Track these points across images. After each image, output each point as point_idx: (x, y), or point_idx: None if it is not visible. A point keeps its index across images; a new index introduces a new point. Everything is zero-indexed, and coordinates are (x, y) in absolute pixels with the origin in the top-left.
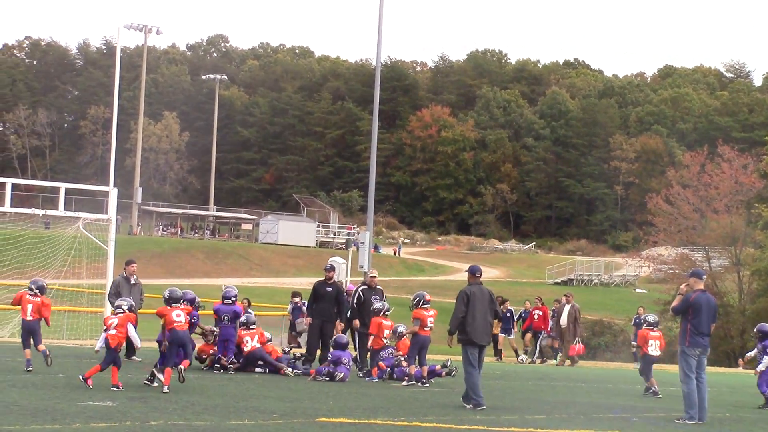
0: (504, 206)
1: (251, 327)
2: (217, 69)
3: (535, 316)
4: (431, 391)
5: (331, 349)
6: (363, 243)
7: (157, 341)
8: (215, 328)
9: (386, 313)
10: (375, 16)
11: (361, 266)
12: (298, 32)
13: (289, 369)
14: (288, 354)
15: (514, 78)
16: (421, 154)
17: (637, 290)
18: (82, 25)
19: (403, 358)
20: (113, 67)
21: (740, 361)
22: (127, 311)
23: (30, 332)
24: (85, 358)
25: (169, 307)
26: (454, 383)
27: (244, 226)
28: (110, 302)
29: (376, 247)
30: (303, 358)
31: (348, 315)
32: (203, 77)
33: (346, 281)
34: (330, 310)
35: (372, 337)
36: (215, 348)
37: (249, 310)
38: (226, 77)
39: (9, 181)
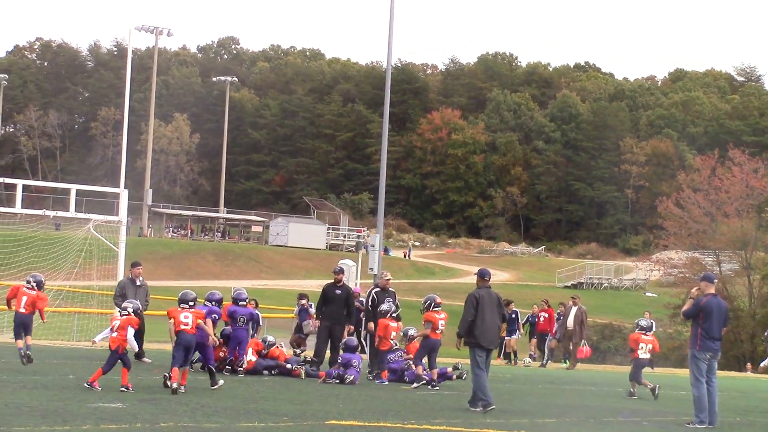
0: (514, 209)
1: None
2: (227, 71)
3: (541, 319)
4: (441, 394)
5: (341, 352)
6: (373, 246)
7: None
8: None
9: (393, 314)
10: (386, 18)
11: (371, 269)
12: (308, 34)
13: (303, 370)
14: (299, 357)
15: (524, 81)
16: (431, 157)
17: (647, 294)
18: (93, 27)
19: (411, 362)
20: (124, 68)
21: (748, 365)
22: (132, 314)
23: (22, 325)
24: (95, 359)
25: (179, 309)
26: (464, 386)
27: (254, 229)
28: (116, 304)
29: (386, 250)
30: (311, 361)
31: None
32: (214, 79)
33: (356, 283)
34: (339, 313)
35: (379, 339)
36: (225, 350)
37: (256, 312)
38: (236, 79)
39: (20, 183)
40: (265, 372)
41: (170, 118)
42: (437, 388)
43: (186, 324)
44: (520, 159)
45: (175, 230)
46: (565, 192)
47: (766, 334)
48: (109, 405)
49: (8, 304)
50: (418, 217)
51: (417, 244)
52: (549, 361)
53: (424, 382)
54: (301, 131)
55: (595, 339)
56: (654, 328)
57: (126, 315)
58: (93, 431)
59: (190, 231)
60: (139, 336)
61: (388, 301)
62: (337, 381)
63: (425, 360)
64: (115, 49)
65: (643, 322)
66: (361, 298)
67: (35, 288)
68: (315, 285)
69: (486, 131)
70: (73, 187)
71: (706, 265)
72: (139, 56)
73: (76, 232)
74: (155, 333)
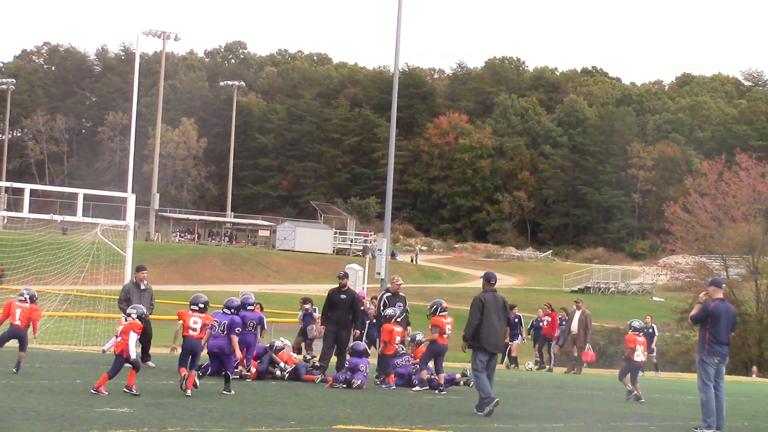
0: (521, 214)
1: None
2: (235, 75)
3: (544, 323)
4: (448, 398)
5: (348, 357)
6: (380, 250)
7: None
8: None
9: (397, 319)
10: (393, 23)
11: (378, 273)
12: (316, 39)
13: (320, 378)
14: (308, 362)
15: (531, 85)
16: (438, 162)
17: (654, 298)
18: (101, 31)
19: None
20: (131, 73)
21: (754, 368)
22: (136, 319)
23: (16, 338)
24: (102, 364)
25: (189, 312)
26: (472, 392)
27: (261, 233)
28: (120, 308)
29: (393, 255)
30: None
31: (375, 321)
32: (221, 84)
33: (363, 287)
34: (345, 318)
35: (384, 344)
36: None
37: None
38: (243, 84)
39: (27, 187)
40: (274, 371)
41: (177, 122)
42: (444, 392)
43: (194, 329)
44: (527, 163)
45: (182, 234)
46: (572, 196)
47: None
48: (116, 409)
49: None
50: (425, 221)
51: (424, 248)
52: (551, 366)
53: (427, 387)
54: (308, 136)
55: (602, 344)
56: (657, 332)
57: (130, 321)
58: None
59: (197, 235)
60: (146, 341)
61: (398, 306)
62: (345, 385)
63: (431, 364)
64: (122, 53)
65: (636, 323)
66: (367, 302)
67: (28, 301)
68: (322, 289)
69: (493, 136)
70: (81, 192)
71: (713, 269)
72: (147, 61)
73: (83, 237)
74: (162, 337)
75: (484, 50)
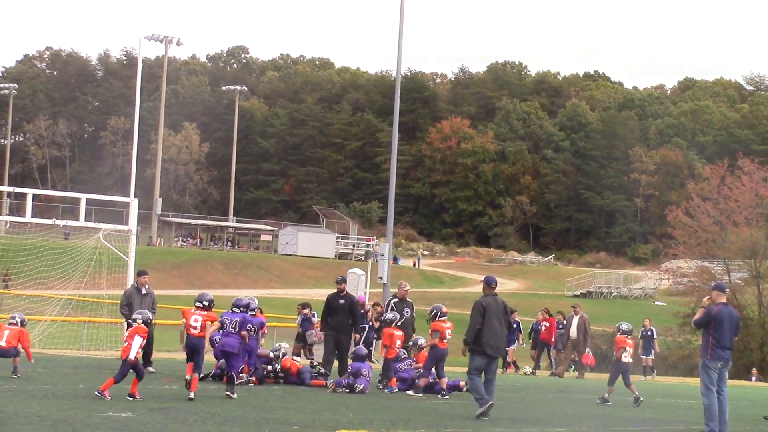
0: (523, 218)
1: None
2: (237, 80)
3: (542, 328)
4: (451, 403)
5: (351, 361)
6: (382, 255)
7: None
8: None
9: (397, 323)
10: (395, 27)
11: (380, 278)
12: (318, 44)
13: (329, 382)
14: (314, 368)
15: (533, 90)
16: (440, 166)
17: (657, 303)
18: (103, 36)
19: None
20: (134, 77)
21: (754, 370)
22: (142, 324)
23: (3, 357)
24: (104, 368)
25: (192, 310)
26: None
27: (264, 238)
28: (122, 313)
29: (395, 259)
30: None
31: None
32: (223, 88)
33: (365, 292)
34: (345, 322)
35: (385, 348)
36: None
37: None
38: (246, 88)
39: (30, 192)
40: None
41: (180, 127)
42: (447, 397)
43: (194, 327)
44: (529, 168)
45: (185, 239)
46: (575, 201)
47: None
48: (119, 414)
49: None
50: (427, 226)
51: (426, 253)
52: (553, 369)
53: (421, 395)
54: (310, 140)
55: (605, 348)
56: (656, 335)
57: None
58: None
59: (199, 240)
60: (147, 346)
61: (406, 312)
62: (347, 390)
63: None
64: (124, 58)
65: (624, 326)
66: (368, 306)
67: (18, 324)
68: (324, 294)
69: (495, 140)
70: (83, 197)
71: (715, 274)
72: (149, 65)
73: (85, 241)
74: (164, 342)
75: (487, 54)
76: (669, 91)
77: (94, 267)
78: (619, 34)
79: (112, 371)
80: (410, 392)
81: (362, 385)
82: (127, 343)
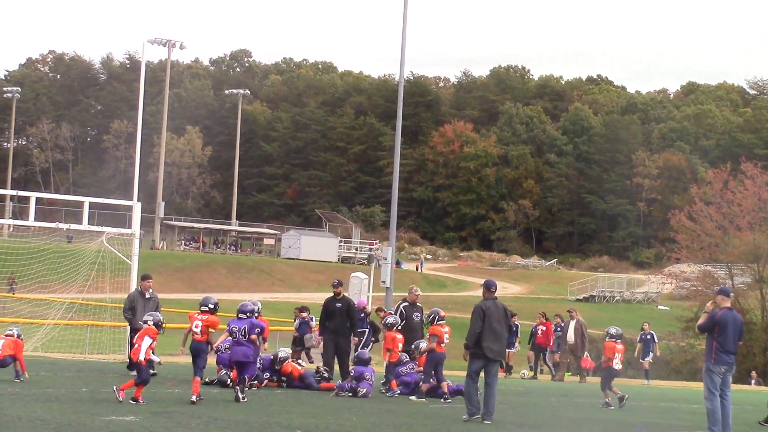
0: (526, 222)
1: None
2: (240, 84)
3: (539, 332)
4: (453, 407)
5: (353, 365)
6: (385, 259)
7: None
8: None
9: (398, 327)
10: (398, 31)
11: (383, 282)
12: (320, 47)
13: (338, 387)
14: (318, 374)
15: (536, 94)
16: (443, 170)
17: (659, 307)
18: (106, 40)
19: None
20: (136, 81)
21: (753, 373)
22: (152, 325)
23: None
24: (108, 372)
25: (196, 314)
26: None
27: (266, 241)
28: (125, 317)
29: (398, 263)
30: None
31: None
32: (226, 92)
33: (368, 296)
34: (343, 326)
35: (389, 352)
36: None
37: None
38: (249, 92)
39: (33, 195)
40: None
41: (182, 130)
42: (450, 401)
43: (195, 332)
44: (532, 172)
45: (187, 243)
46: (577, 205)
47: None
48: (123, 418)
49: None
50: (430, 230)
51: (429, 257)
52: (550, 375)
53: (424, 399)
54: (313, 144)
55: None
56: (656, 339)
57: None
58: None
59: (202, 244)
60: None
61: (416, 316)
62: (350, 394)
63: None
64: (127, 61)
65: (612, 330)
66: (368, 310)
67: (14, 335)
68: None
69: (498, 144)
70: (86, 200)
71: (718, 278)
72: (152, 69)
73: (88, 245)
74: (166, 346)
75: (490, 58)
76: (672, 95)
77: (97, 270)
78: (622, 39)
79: (115, 375)
80: (413, 397)
81: (365, 389)
82: (137, 345)
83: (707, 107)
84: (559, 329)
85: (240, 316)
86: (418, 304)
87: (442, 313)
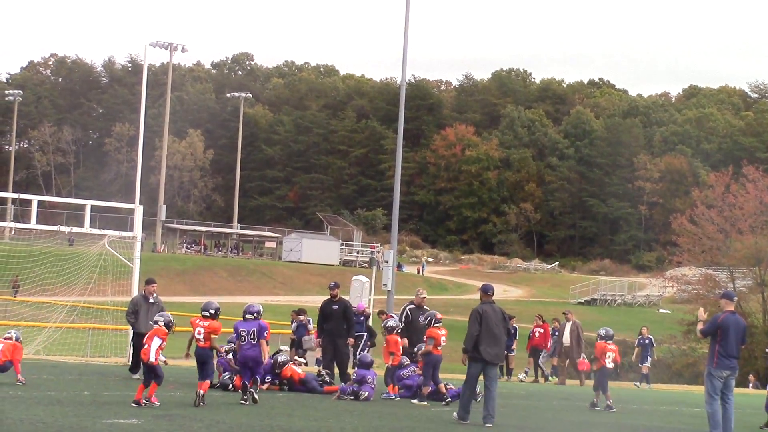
0: (528, 225)
1: None
2: (241, 87)
3: (536, 334)
4: (455, 410)
5: (356, 368)
6: (387, 262)
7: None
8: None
9: (398, 330)
10: (400, 35)
11: (385, 285)
12: (322, 50)
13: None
14: (320, 377)
15: (538, 97)
16: (445, 173)
17: (661, 310)
18: (108, 43)
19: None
20: (138, 84)
21: (751, 376)
22: (162, 326)
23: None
24: (109, 375)
25: (198, 321)
26: (477, 405)
27: (268, 244)
28: (128, 321)
29: (399, 266)
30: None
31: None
32: (228, 95)
33: (371, 299)
34: (339, 328)
35: (391, 355)
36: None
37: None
38: (250, 95)
39: (35, 198)
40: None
41: (184, 133)
42: (450, 402)
43: (198, 339)
44: (533, 175)
45: (189, 246)
46: (579, 208)
47: (767, 350)
48: (124, 421)
49: None
50: (431, 233)
51: (430, 260)
52: (543, 378)
53: (426, 402)
54: (314, 147)
55: None
56: (654, 343)
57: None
58: None
59: (203, 247)
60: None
61: (418, 318)
62: (352, 397)
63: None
64: (129, 64)
65: (602, 331)
66: (367, 313)
67: (13, 339)
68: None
69: (500, 147)
70: (88, 203)
71: (719, 281)
72: (154, 72)
73: (90, 248)
74: (169, 349)
75: (491, 62)
76: (673, 99)
77: (98, 274)
78: (624, 42)
79: (116, 378)
80: (414, 401)
81: (367, 393)
82: (146, 345)
83: (709, 110)
84: (556, 333)
85: (247, 317)
86: (425, 306)
87: (439, 316)
